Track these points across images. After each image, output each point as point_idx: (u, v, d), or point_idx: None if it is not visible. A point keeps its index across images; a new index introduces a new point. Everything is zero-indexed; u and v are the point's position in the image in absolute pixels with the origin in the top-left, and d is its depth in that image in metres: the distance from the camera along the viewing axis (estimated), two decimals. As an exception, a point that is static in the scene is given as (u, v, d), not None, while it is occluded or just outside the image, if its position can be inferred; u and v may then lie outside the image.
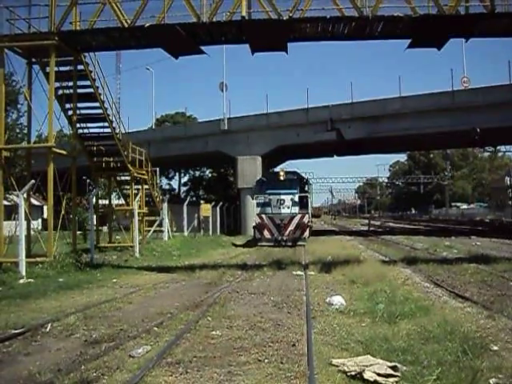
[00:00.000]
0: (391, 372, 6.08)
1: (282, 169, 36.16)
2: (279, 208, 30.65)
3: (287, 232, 29.62)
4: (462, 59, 43.50)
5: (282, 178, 31.43)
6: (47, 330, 8.84)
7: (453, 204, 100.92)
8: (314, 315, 9.57)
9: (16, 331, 8.57)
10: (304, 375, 6.12)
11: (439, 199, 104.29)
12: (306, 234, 30.39)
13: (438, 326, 8.02)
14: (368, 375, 6.02)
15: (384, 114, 39.23)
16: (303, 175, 36.21)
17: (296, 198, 30.98)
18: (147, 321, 9.37)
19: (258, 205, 31.51)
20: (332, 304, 10.59)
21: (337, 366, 6.40)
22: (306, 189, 33.43)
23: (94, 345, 7.80)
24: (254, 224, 31.31)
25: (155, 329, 8.71)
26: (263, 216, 30.21)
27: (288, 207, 30.66)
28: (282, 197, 30.79)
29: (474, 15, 17.15)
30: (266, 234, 29.96)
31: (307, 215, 30.51)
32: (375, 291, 11.55)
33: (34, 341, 8.20)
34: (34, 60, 19.66)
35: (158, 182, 36.85)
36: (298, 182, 32.63)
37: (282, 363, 6.63)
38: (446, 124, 37.36)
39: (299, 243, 29.14)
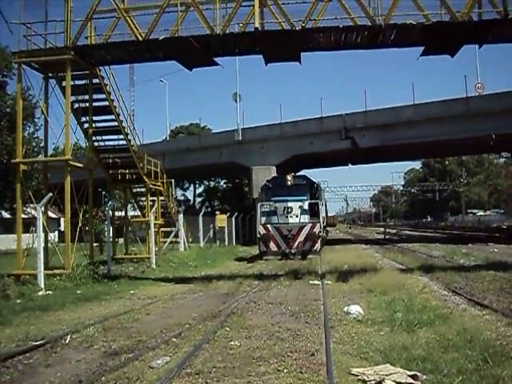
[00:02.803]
0: (411, 381, 6.07)
1: (290, 173, 32.36)
2: (286, 217, 27.84)
3: (296, 244, 26.98)
4: (476, 65, 43.23)
5: (289, 182, 28.70)
6: (67, 341, 8.90)
7: (469, 211, 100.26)
8: (332, 324, 9.55)
9: (36, 343, 8.66)
10: (323, 385, 6.12)
11: (455, 206, 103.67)
12: (318, 246, 27.46)
13: (457, 334, 7.98)
14: (388, 384, 6.01)
15: (398, 122, 39.08)
16: (314, 180, 32.76)
17: (305, 206, 28.15)
18: (166, 332, 9.41)
19: (263, 214, 28.50)
20: (350, 313, 10.57)
21: (356, 376, 6.39)
22: (317, 195, 30.47)
23: (113, 356, 7.85)
24: (258, 235, 28.19)
25: (174, 340, 8.74)
26: (269, 226, 27.50)
27: (296, 216, 27.87)
28: (290, 204, 27.90)
29: (487, 21, 17.07)
30: (273, 246, 27.28)
31: (318, 224, 27.51)
32: (393, 300, 11.51)
33: (54, 352, 8.27)
34: (50, 74, 19.91)
35: (174, 193, 36.92)
36: (308, 188, 29.54)
37: (301, 373, 6.62)
38: (460, 131, 37.16)
39: (310, 256, 26.61)
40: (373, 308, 11.09)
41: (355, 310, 10.74)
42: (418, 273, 17.21)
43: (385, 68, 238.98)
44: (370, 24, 17.02)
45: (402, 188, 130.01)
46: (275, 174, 39.04)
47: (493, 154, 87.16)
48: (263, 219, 28.30)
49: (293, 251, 26.81)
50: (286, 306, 11.97)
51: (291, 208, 27.90)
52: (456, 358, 6.79)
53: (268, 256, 27.20)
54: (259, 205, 29.00)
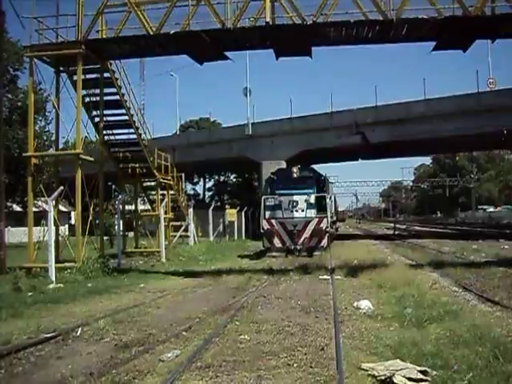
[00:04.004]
0: (421, 376, 6.06)
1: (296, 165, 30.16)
2: (291, 211, 26.22)
3: (301, 240, 25.45)
4: (488, 60, 42.88)
5: (294, 175, 26.94)
6: (78, 334, 8.98)
7: (479, 207, 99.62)
8: (341, 319, 9.56)
9: (48, 335, 8.72)
10: (334, 379, 6.13)
11: (465, 202, 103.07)
12: (324, 242, 25.85)
13: (467, 331, 7.95)
14: (398, 379, 6.01)
15: (409, 117, 38.85)
16: (321, 172, 31.11)
17: (312, 200, 26.51)
18: (176, 325, 9.44)
19: (268, 207, 26.83)
20: (359, 308, 10.56)
21: (366, 371, 6.39)
22: (325, 188, 28.62)
23: (124, 349, 7.89)
24: (261, 230, 26.67)
25: (184, 333, 8.78)
26: (273, 221, 26.05)
27: (302, 210, 26.23)
28: (295, 198, 26.29)
29: (500, 16, 16.92)
30: (277, 242, 25.81)
31: (326, 219, 25.88)
32: (403, 295, 11.49)
33: (65, 345, 8.35)
34: (61, 68, 20.00)
35: (183, 187, 36.98)
36: (315, 180, 27.79)
37: (311, 367, 6.64)
38: (471, 126, 36.91)
39: (316, 253, 25.08)
40: (382, 303, 11.08)
41: (365, 305, 10.72)
42: (428, 269, 17.17)
43: (396, 63, 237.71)
44: (381, 18, 16.91)
45: (411, 183, 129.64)
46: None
47: (504, 149, 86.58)
48: (267, 213, 26.78)
49: (298, 247, 25.41)
50: (295, 300, 11.97)
51: (296, 202, 26.35)
52: (466, 355, 6.76)
53: (272, 252, 25.72)
54: (263, 198, 27.31)
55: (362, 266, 17.97)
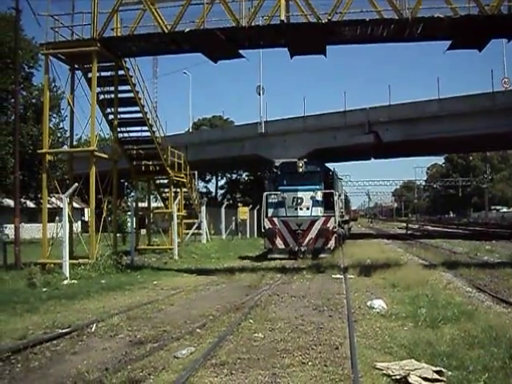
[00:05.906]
0: (437, 377, 6.03)
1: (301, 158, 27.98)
2: (296, 209, 24.05)
3: (306, 241, 23.33)
4: (503, 60, 42.51)
5: (300, 169, 24.46)
6: (92, 329, 9.06)
7: (492, 207, 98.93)
8: (355, 318, 9.55)
9: (63, 331, 8.81)
10: (348, 378, 6.13)
11: (478, 202, 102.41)
12: (331, 243, 23.59)
13: (482, 331, 7.92)
14: (413, 379, 5.99)
15: (422, 117, 38.59)
16: (329, 167, 29.17)
17: (318, 197, 24.23)
18: (190, 322, 9.50)
19: (270, 205, 24.86)
20: (373, 307, 10.55)
21: (381, 370, 6.38)
22: (333, 184, 26.47)
23: (138, 345, 7.95)
24: (263, 230, 24.81)
25: (198, 330, 8.81)
26: (275, 220, 23.96)
27: (307, 208, 24.01)
28: (300, 194, 24.04)
29: (517, 15, 16.83)
30: (279, 243, 23.66)
31: (333, 219, 23.62)
32: (416, 295, 11.49)
33: (80, 340, 8.42)
34: (76, 66, 20.09)
35: (196, 185, 37.03)
36: (322, 175, 25.44)
37: (325, 366, 6.64)
38: (485, 126, 36.63)
39: (322, 255, 22.87)
40: (396, 303, 11.06)
41: (378, 304, 10.71)
42: (442, 269, 17.10)
43: (409, 62, 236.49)
44: (396, 17, 16.85)
45: (424, 183, 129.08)
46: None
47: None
48: (270, 211, 24.83)
49: (302, 249, 23.33)
50: (308, 299, 12.01)
51: (301, 199, 24.08)
52: (481, 355, 6.74)
53: (273, 254, 23.90)
54: (265, 195, 25.09)
55: (374, 265, 17.95)
